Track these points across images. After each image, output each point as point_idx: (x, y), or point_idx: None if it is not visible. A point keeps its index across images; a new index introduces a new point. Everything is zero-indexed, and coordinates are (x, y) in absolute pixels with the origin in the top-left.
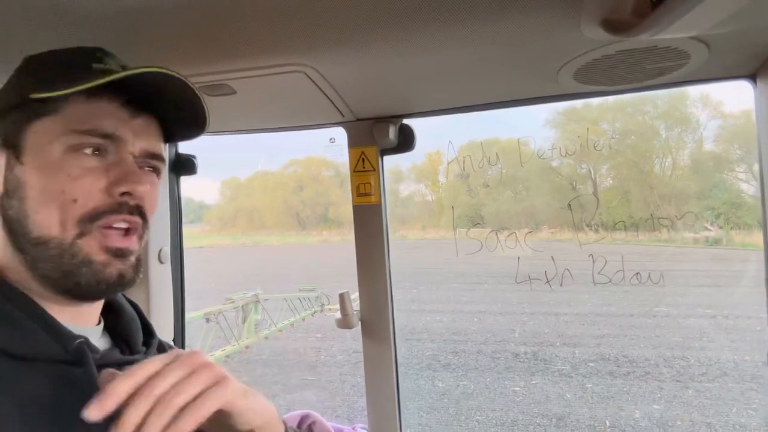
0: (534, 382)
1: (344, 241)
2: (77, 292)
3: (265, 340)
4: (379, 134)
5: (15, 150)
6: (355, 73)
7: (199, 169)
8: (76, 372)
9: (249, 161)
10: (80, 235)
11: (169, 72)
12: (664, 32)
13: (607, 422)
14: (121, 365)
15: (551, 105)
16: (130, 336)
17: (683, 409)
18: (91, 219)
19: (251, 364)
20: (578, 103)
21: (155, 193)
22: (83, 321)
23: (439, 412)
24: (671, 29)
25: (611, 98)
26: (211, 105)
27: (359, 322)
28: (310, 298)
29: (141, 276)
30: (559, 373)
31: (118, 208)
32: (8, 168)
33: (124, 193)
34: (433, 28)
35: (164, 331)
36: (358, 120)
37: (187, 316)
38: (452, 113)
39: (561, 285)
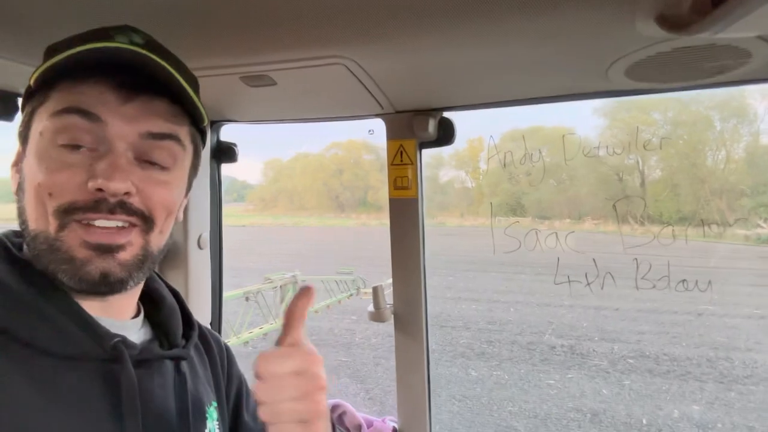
0: (569, 376)
1: (383, 225)
2: (72, 290)
3: None
4: (418, 127)
5: (23, 142)
6: (395, 65)
7: (243, 149)
8: (114, 369)
9: (292, 142)
10: (61, 227)
11: (124, 46)
12: (726, 31)
13: (644, 420)
14: (159, 359)
15: None
16: (169, 329)
17: (724, 411)
18: (66, 212)
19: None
20: None
21: (162, 188)
22: (116, 314)
23: (471, 401)
24: (733, 28)
25: None
26: (252, 95)
27: (392, 316)
28: (347, 281)
29: (144, 276)
30: (596, 368)
31: (95, 205)
32: (18, 160)
33: (99, 189)
34: (479, 22)
35: (202, 314)
36: (398, 112)
37: (227, 294)
38: (495, 107)
39: (602, 288)
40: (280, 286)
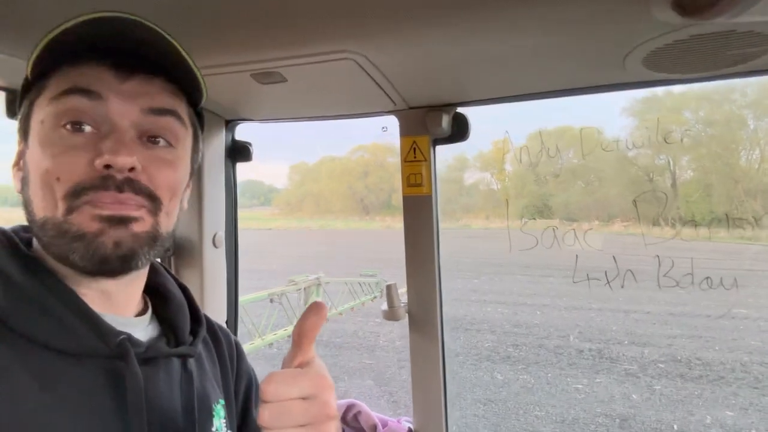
0: (598, 380)
1: None
2: (82, 271)
3: (325, 322)
4: (431, 123)
5: (24, 135)
6: (406, 60)
7: (270, 152)
8: (119, 366)
9: (317, 146)
10: (69, 210)
11: (122, 15)
12: (745, 14)
13: (675, 426)
14: (166, 357)
15: (629, 92)
16: (176, 325)
17: (759, 417)
18: (74, 194)
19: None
20: (659, 90)
21: (167, 167)
22: (120, 309)
23: (496, 405)
24: (753, 11)
25: (695, 85)
26: (263, 93)
27: (406, 315)
28: (371, 284)
29: (153, 256)
30: (625, 373)
31: (102, 182)
32: (20, 158)
33: (107, 166)
34: (491, 13)
35: (217, 314)
36: (411, 108)
37: (252, 295)
38: (510, 101)
39: (622, 287)
40: (304, 288)
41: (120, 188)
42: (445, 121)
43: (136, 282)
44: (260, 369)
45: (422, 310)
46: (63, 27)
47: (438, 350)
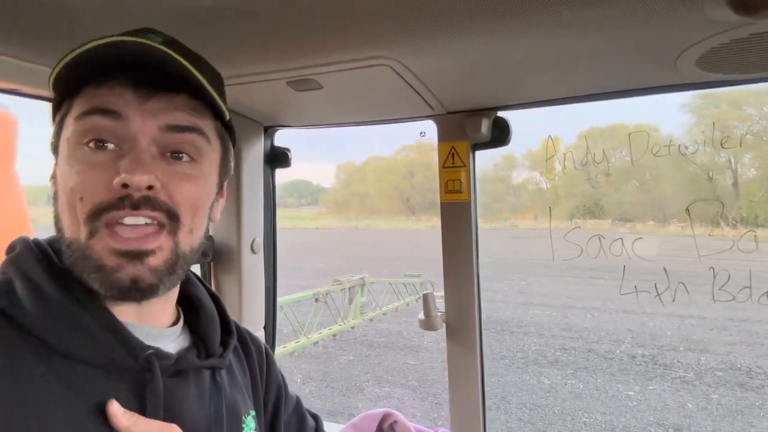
0: (651, 387)
1: None
2: (106, 297)
3: (369, 322)
4: (470, 128)
5: (55, 151)
6: (443, 64)
7: (316, 153)
8: (148, 378)
9: (362, 146)
10: (90, 234)
11: (139, 40)
12: None
13: None
14: (196, 370)
15: None
16: (207, 336)
17: None
18: (94, 216)
19: (357, 344)
20: None
21: (187, 183)
22: (152, 320)
23: (543, 410)
24: None
25: None
26: (301, 99)
27: (443, 325)
28: (415, 284)
29: (177, 280)
30: (680, 380)
31: (119, 203)
32: (54, 171)
33: (125, 185)
34: (533, 13)
35: (255, 319)
36: (449, 113)
37: (297, 294)
38: (553, 105)
39: (674, 300)
40: (349, 288)
41: (136, 206)
42: (485, 125)
43: (168, 296)
44: (306, 366)
45: (460, 319)
46: (82, 49)
47: (476, 360)
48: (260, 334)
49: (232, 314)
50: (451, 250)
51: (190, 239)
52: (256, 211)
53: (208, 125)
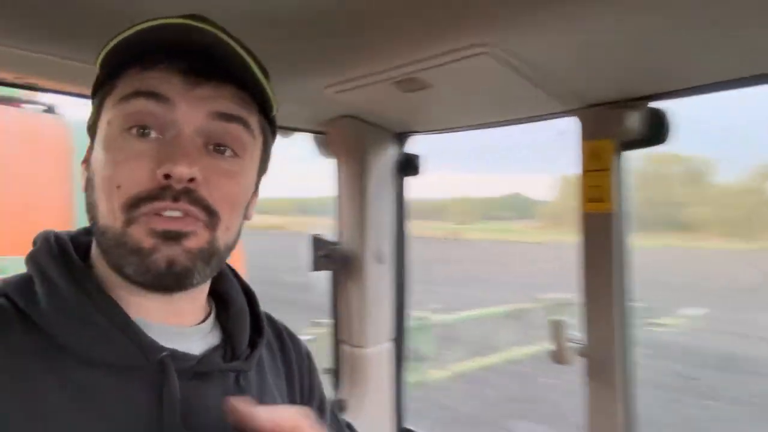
0: None
1: (692, 247)
2: (139, 286)
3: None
4: (615, 123)
5: (92, 134)
6: (567, 48)
7: (534, 163)
8: (163, 380)
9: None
10: (128, 222)
11: (193, 23)
12: None
13: None
14: (221, 371)
15: None
16: (234, 335)
17: None
18: (133, 205)
19: (555, 368)
20: None
21: (229, 180)
22: (178, 318)
23: None
24: None
25: None
26: (412, 103)
27: (576, 358)
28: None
29: (210, 273)
30: None
31: (160, 193)
32: (88, 156)
33: (167, 176)
34: None
35: (381, 331)
36: (590, 106)
37: (490, 309)
38: (729, 89)
39: None
40: (550, 307)
41: (176, 198)
42: (634, 120)
43: (197, 292)
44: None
45: (603, 356)
46: (136, 29)
47: (618, 410)
48: (388, 346)
49: (356, 323)
50: (593, 270)
51: (226, 236)
52: (383, 220)
53: (253, 118)
